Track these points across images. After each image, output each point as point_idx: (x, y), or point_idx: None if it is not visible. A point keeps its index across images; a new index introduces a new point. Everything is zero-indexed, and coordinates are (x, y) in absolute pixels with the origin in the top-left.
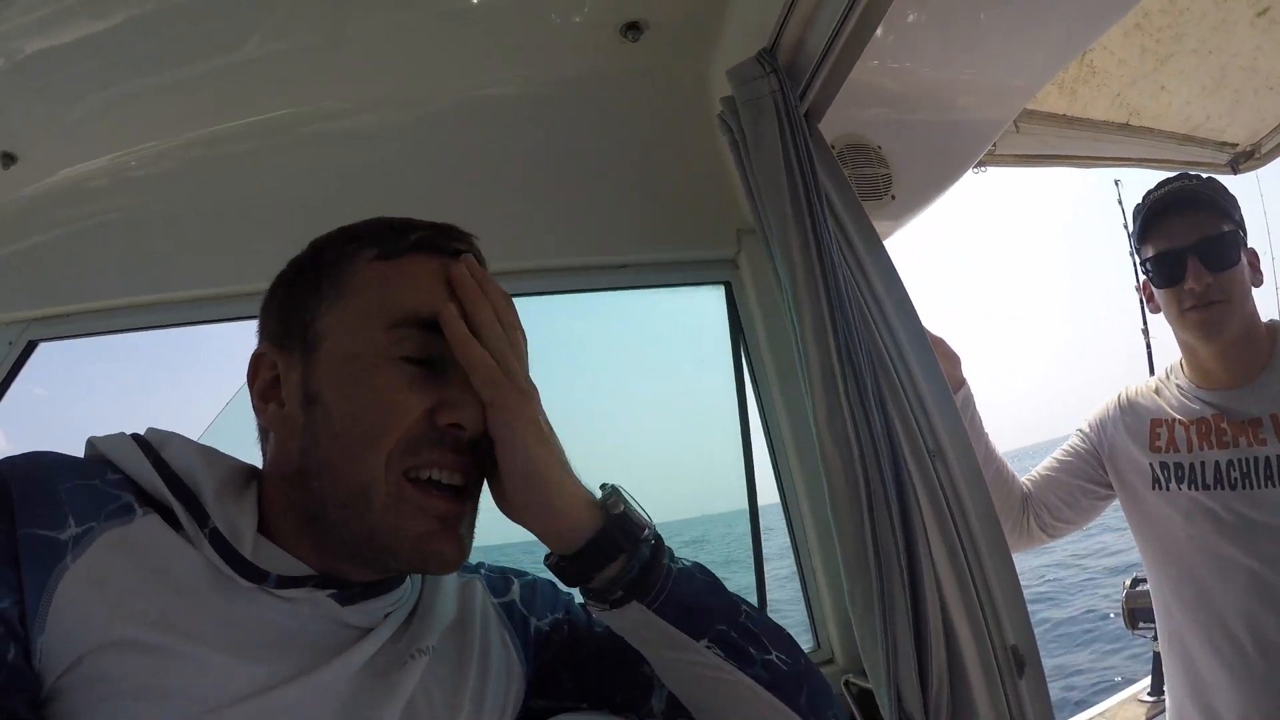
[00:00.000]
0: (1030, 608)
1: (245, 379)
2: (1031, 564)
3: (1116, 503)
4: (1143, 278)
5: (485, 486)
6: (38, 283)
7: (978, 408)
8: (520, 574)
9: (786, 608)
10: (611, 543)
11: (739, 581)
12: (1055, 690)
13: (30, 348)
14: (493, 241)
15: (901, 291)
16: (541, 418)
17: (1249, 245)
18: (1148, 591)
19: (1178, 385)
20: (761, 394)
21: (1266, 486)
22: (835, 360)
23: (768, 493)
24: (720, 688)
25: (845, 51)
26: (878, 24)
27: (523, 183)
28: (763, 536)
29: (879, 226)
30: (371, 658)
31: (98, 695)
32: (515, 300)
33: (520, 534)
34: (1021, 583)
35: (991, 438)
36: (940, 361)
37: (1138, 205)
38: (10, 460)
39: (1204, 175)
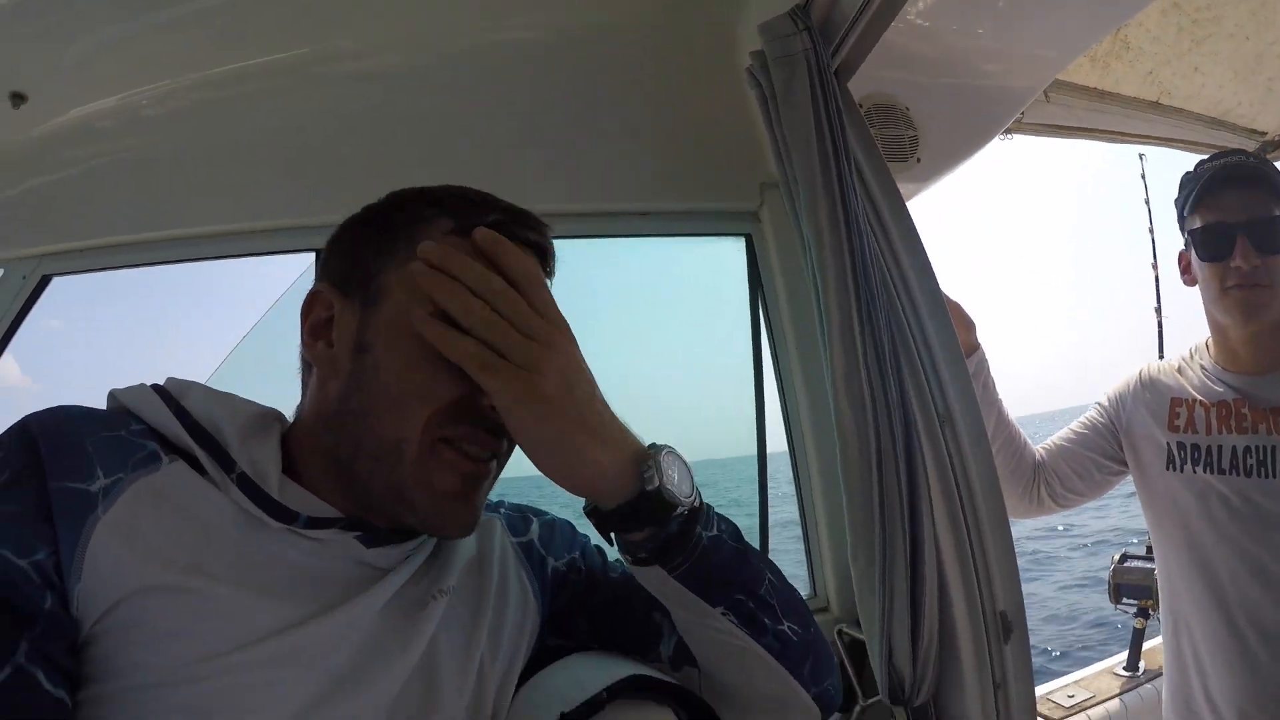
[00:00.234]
0: None
1: (300, 312)
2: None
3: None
4: (1181, 249)
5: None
6: (51, 219)
7: (991, 373)
8: (539, 513)
9: (778, 553)
10: (638, 515)
11: (740, 525)
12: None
13: (44, 282)
14: (512, 186)
15: (922, 255)
16: (551, 383)
17: None
18: (1135, 568)
19: (1201, 365)
20: (777, 347)
21: None
22: (856, 321)
23: (774, 442)
24: (730, 651)
25: (879, 12)
26: None
27: (545, 128)
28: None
29: (903, 189)
30: (393, 596)
31: (131, 638)
32: None
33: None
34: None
35: (1006, 404)
36: (955, 327)
37: (1188, 174)
38: (36, 416)
39: (1260, 155)
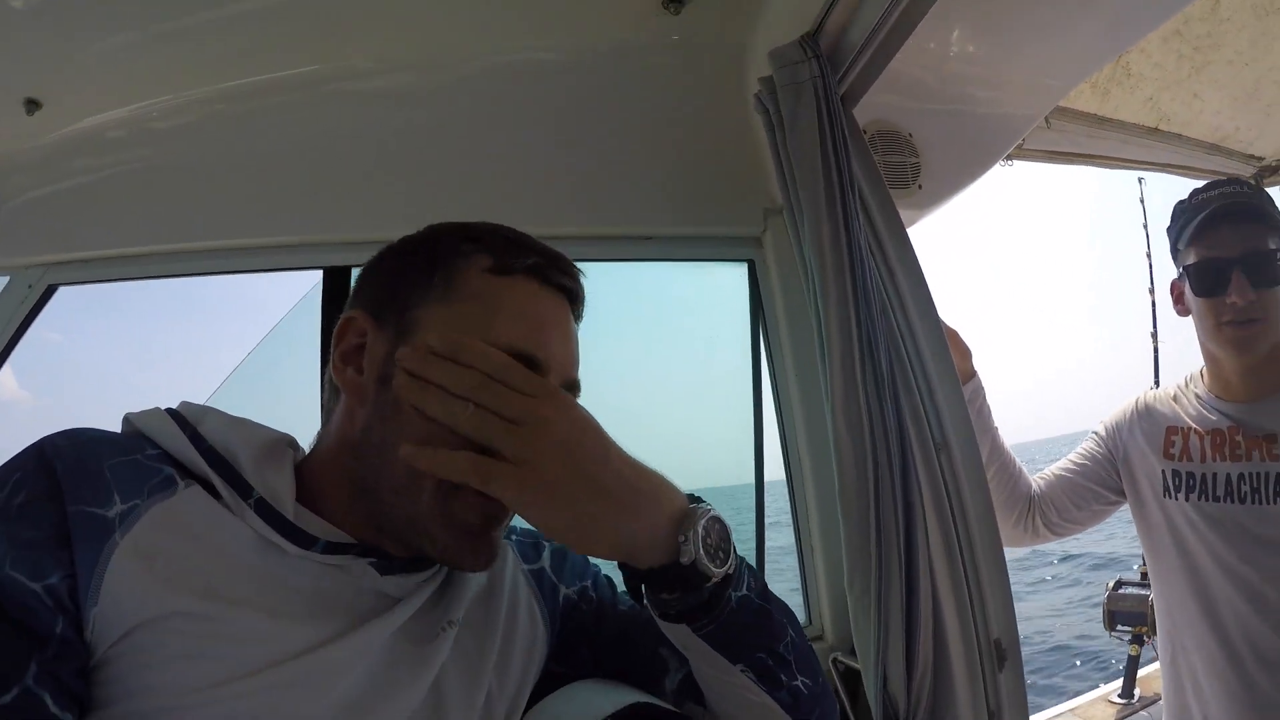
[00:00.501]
0: None
1: (334, 336)
2: None
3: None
4: (1174, 279)
5: None
6: (59, 228)
7: (988, 400)
8: (550, 540)
9: (772, 575)
10: (669, 581)
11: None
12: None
13: (50, 292)
14: (519, 208)
15: (922, 283)
16: (552, 468)
17: None
18: (1129, 595)
19: (1196, 394)
20: (776, 373)
21: (1275, 502)
22: (856, 348)
23: (772, 469)
24: (744, 703)
25: (887, 41)
26: (922, 16)
27: (552, 150)
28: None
29: (904, 215)
30: (403, 625)
31: (146, 662)
32: None
33: None
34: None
35: (1001, 432)
36: (952, 354)
37: (1182, 203)
38: (52, 440)
39: (1254, 185)
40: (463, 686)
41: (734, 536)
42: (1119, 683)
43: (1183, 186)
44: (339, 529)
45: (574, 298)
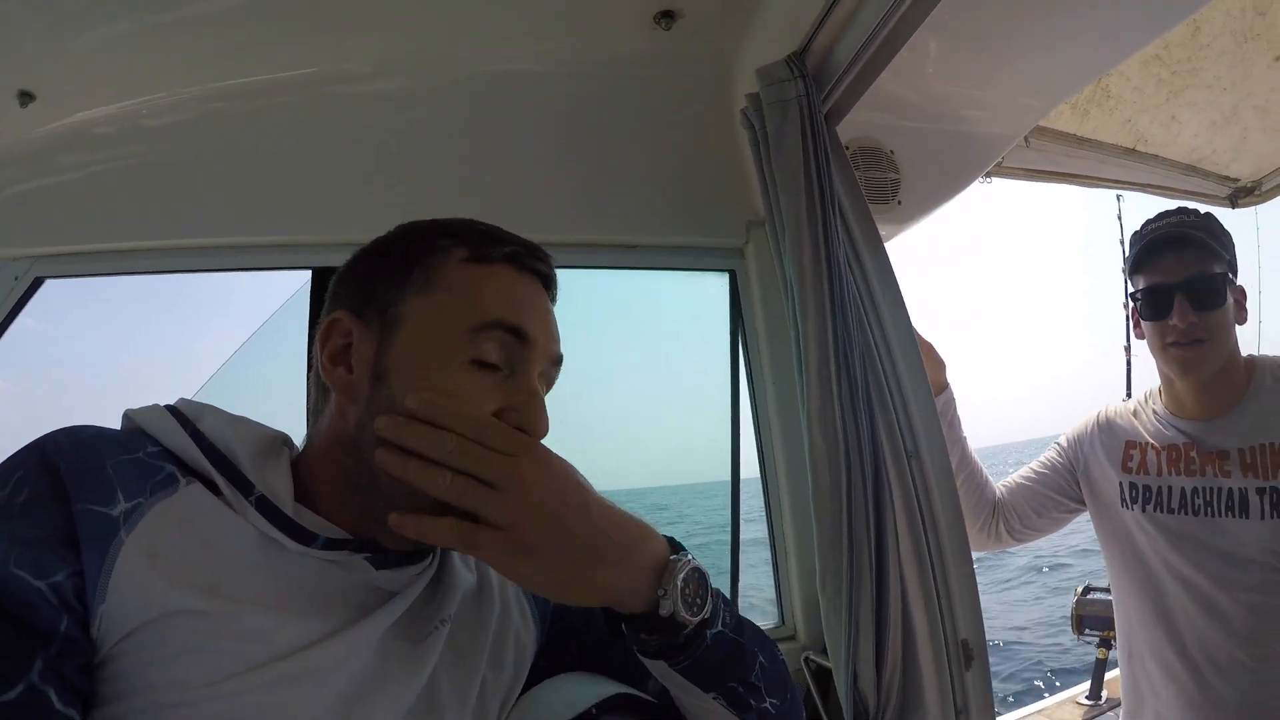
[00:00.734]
0: None
1: (318, 339)
2: None
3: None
4: (1132, 306)
5: None
6: (47, 221)
7: (958, 411)
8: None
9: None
10: (648, 626)
11: (715, 549)
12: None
13: (36, 284)
14: (507, 213)
15: (898, 295)
16: (531, 531)
17: (1238, 283)
18: (1096, 600)
19: (1154, 410)
20: (754, 381)
21: (1226, 516)
22: (832, 357)
23: (748, 469)
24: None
25: (871, 62)
26: (907, 38)
27: (541, 158)
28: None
29: (883, 230)
30: (398, 621)
31: (153, 658)
32: None
33: None
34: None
35: (970, 442)
36: (926, 365)
37: (1134, 234)
38: (53, 438)
39: (1201, 211)
40: (456, 682)
41: (710, 576)
42: (1087, 684)
43: (1164, 204)
44: (335, 525)
45: (549, 282)
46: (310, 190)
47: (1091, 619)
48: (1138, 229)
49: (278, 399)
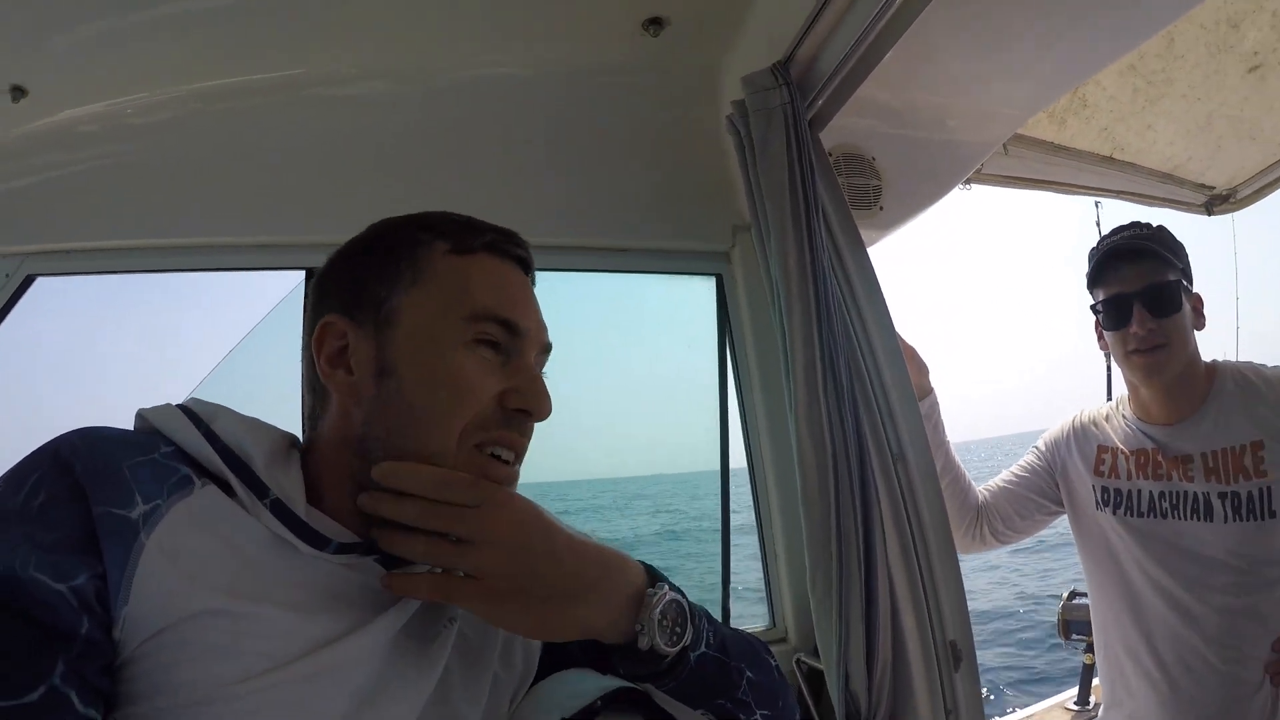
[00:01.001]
0: None
1: (313, 344)
2: None
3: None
4: (1095, 318)
5: None
6: (39, 218)
7: (942, 415)
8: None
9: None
10: (629, 656)
11: (708, 549)
12: None
13: (28, 281)
14: (497, 216)
15: (881, 300)
16: (504, 579)
17: (1194, 291)
18: (1082, 605)
19: (1124, 416)
20: (742, 383)
21: (1192, 520)
22: (818, 361)
23: (738, 471)
24: None
25: (854, 70)
26: (889, 48)
27: (531, 162)
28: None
29: (865, 235)
30: (409, 620)
31: (177, 659)
32: None
33: (561, 474)
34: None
35: (964, 434)
36: (910, 369)
37: (1091, 250)
38: (67, 440)
39: (1154, 226)
40: (468, 678)
41: (693, 604)
42: (1075, 690)
43: (1143, 211)
44: (344, 527)
45: (528, 266)
46: (301, 191)
47: (1078, 624)
48: (1095, 245)
49: (273, 399)
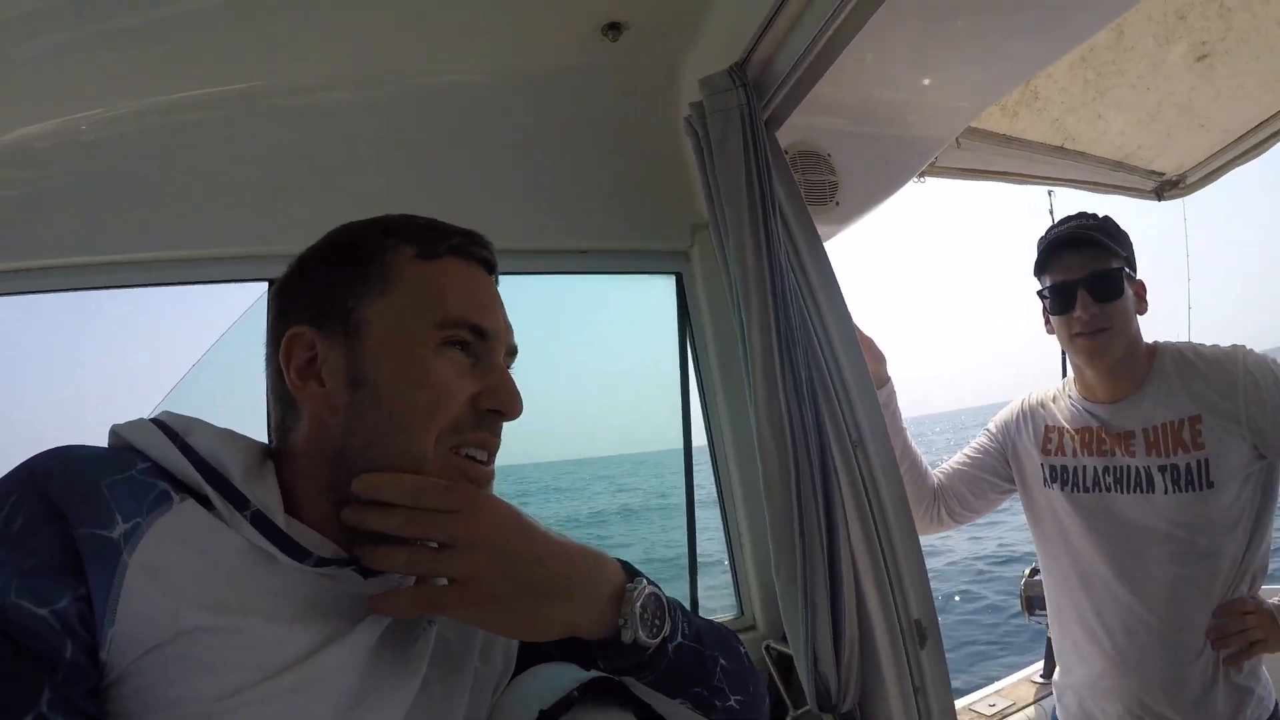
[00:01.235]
0: None
1: (281, 356)
2: None
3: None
4: (1041, 304)
5: None
6: None
7: (899, 404)
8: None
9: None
10: (610, 650)
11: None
12: None
13: None
14: (458, 221)
15: (837, 292)
16: (488, 581)
17: (1137, 278)
18: (1042, 581)
19: (1069, 396)
20: (703, 379)
21: (1135, 493)
22: (776, 353)
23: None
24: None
25: (809, 70)
26: (843, 48)
27: (491, 167)
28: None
29: (822, 230)
30: (390, 626)
31: (166, 676)
32: None
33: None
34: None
35: (910, 433)
36: (867, 359)
37: (1039, 239)
38: (42, 461)
39: (1100, 216)
40: (449, 678)
41: (670, 600)
42: (1041, 664)
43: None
44: (323, 536)
45: (492, 268)
46: (263, 202)
47: (1039, 599)
48: (1042, 234)
49: (240, 409)
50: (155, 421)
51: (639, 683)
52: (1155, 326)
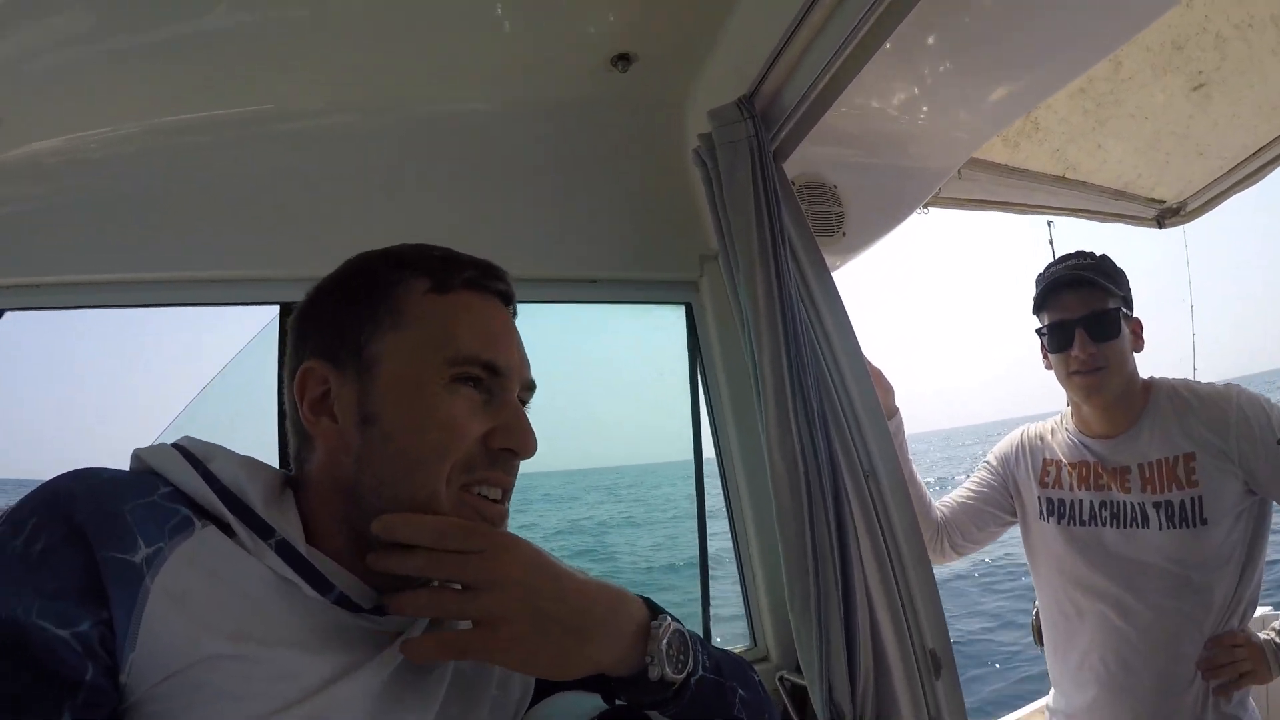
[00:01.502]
0: None
1: (295, 390)
2: None
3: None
4: (1040, 341)
5: None
6: (10, 251)
7: (906, 436)
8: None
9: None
10: (636, 687)
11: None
12: None
13: None
14: (468, 249)
15: (846, 322)
16: (515, 623)
17: (1133, 316)
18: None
19: (1067, 429)
20: (714, 409)
21: (1130, 527)
22: (788, 384)
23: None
24: None
25: (816, 103)
26: (850, 79)
27: (499, 196)
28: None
29: (829, 260)
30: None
31: (186, 703)
32: None
33: (552, 465)
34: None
35: (914, 463)
36: (876, 390)
37: (1037, 277)
38: (65, 483)
39: (1097, 255)
40: (466, 707)
41: (690, 635)
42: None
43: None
44: (343, 567)
45: (508, 299)
46: (273, 225)
47: None
48: (1041, 271)
49: (251, 433)
50: (176, 447)
51: (663, 716)
52: (1158, 355)
